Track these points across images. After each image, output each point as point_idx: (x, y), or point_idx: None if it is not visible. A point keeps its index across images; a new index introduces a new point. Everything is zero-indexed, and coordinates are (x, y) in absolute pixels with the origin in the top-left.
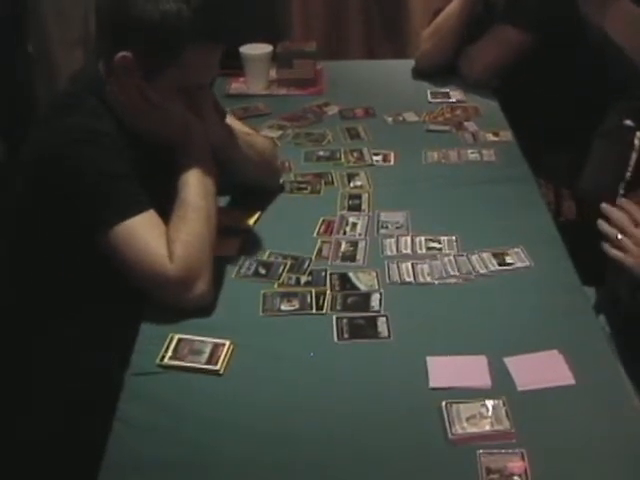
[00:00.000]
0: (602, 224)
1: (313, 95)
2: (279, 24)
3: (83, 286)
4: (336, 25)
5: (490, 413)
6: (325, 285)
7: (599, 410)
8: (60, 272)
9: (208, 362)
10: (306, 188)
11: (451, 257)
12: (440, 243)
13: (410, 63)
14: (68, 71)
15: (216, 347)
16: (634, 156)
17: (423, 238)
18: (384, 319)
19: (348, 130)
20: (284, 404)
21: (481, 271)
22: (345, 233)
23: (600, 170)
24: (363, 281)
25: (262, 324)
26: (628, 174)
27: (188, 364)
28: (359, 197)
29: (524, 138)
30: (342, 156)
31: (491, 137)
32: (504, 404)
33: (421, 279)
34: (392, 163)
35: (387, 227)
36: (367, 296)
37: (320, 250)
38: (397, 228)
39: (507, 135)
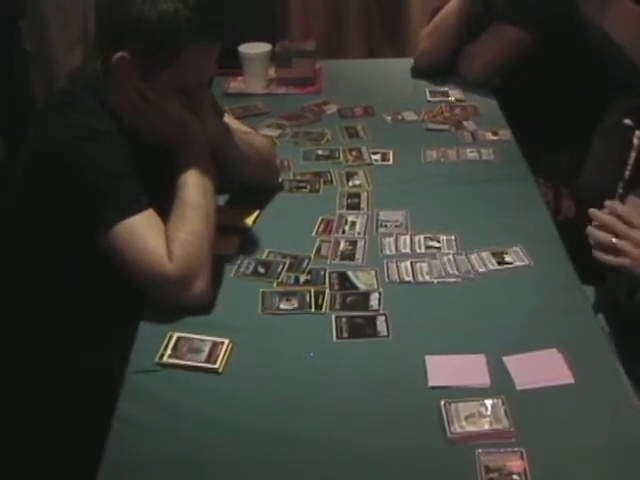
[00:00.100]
0: (593, 231)
1: (312, 94)
2: (278, 23)
3: (83, 286)
4: (336, 25)
5: (489, 412)
6: (324, 284)
7: (598, 409)
8: (60, 272)
9: (207, 360)
10: (305, 187)
11: (450, 256)
12: (439, 242)
13: (409, 62)
14: (68, 70)
15: (215, 346)
16: (633, 155)
17: (422, 237)
18: (383, 318)
19: (347, 129)
20: (283, 403)
21: (480, 270)
22: (344, 232)
23: (599, 169)
24: (362, 280)
25: (261, 323)
26: (627, 173)
27: (187, 362)
28: (358, 196)
29: (524, 137)
30: (341, 155)
31: (490, 136)
32: (503, 403)
33: (420, 278)
34: (391, 162)
35: (386, 226)
36: (366, 295)
37: (319, 249)
38: (396, 227)
39: (506, 134)
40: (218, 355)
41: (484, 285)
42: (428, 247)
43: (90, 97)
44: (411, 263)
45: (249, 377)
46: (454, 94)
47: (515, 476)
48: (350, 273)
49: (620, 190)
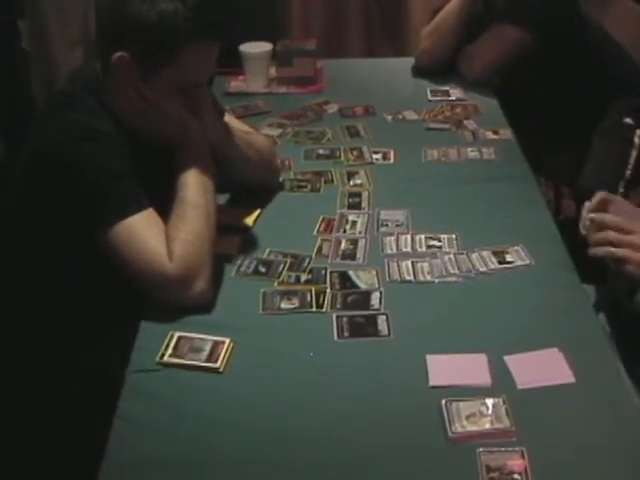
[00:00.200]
0: (595, 252)
1: (313, 93)
2: (279, 24)
3: (83, 286)
4: (336, 25)
5: (490, 411)
6: (325, 283)
7: (599, 408)
8: (60, 272)
9: (208, 360)
10: (306, 186)
11: (451, 255)
12: (440, 241)
13: (410, 61)
14: (68, 70)
15: (216, 345)
16: (634, 154)
17: (423, 236)
18: (384, 317)
19: (348, 128)
20: (284, 402)
21: (481, 269)
22: (345, 231)
23: (600, 168)
24: (363, 279)
25: (262, 322)
26: (628, 172)
27: (188, 362)
28: (359, 195)
29: (524, 137)
30: (342, 154)
31: (491, 135)
32: (504, 402)
33: (421, 277)
34: (392, 161)
35: (387, 225)
36: (367, 294)
37: (320, 248)
38: (397, 226)
39: (507, 133)
40: (219, 354)
41: (485, 284)
42: (429, 246)
43: (90, 97)
44: (412, 262)
45: (250, 376)
46: (455, 93)
47: (516, 475)
48: (351, 272)
49: (621, 189)
